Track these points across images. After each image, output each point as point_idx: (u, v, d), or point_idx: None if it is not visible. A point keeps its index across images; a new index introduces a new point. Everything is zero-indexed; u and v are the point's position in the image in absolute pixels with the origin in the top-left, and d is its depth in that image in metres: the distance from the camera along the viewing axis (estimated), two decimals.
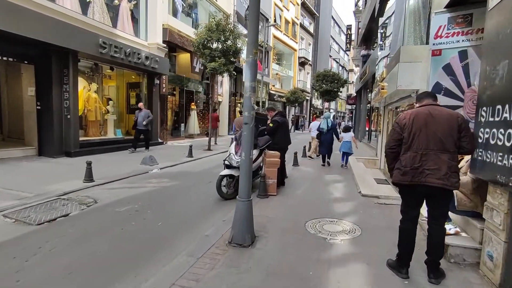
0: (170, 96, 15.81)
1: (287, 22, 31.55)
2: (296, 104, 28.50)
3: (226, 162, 5.36)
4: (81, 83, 9.82)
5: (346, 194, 5.83)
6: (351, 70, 53.58)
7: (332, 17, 46.06)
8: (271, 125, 5.83)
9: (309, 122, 38.97)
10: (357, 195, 5.73)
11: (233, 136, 6.86)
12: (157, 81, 12.25)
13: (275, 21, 28.46)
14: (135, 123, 10.16)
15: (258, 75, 24.72)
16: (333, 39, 46.96)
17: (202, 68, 14.39)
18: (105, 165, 7.71)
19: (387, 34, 11.46)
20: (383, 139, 10.33)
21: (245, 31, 22.96)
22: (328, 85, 21.13)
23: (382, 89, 7.16)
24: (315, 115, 41.65)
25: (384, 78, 7.46)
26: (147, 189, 5.91)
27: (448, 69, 4.54)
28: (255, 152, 5.51)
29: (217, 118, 14.91)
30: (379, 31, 12.71)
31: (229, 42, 11.62)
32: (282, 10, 30.27)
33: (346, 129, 9.48)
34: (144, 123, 9.97)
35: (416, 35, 5.80)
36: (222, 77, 17.30)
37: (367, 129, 18.82)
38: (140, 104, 10.35)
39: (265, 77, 26.41)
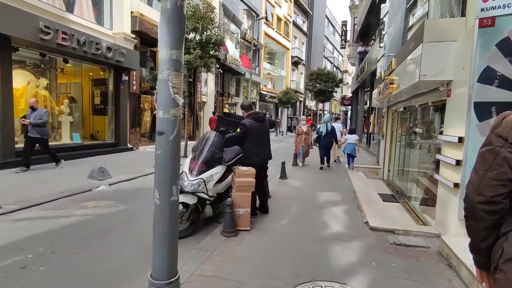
0: (150, 95, 14.14)
1: (279, 19, 30.08)
2: (289, 105, 26.99)
3: None
4: (24, 77, 8.12)
5: (348, 226, 4.24)
6: (346, 71, 52.41)
7: (326, 16, 44.79)
8: (238, 130, 4.20)
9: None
10: (363, 228, 4.14)
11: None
12: (125, 78, 10.56)
13: (266, 18, 26.97)
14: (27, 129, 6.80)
15: (247, 74, 23.19)
16: (327, 39, 45.70)
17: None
18: (40, 180, 6.04)
19: (387, 30, 10.00)
20: (387, 144, 8.82)
21: (233, 27, 21.44)
22: (323, 85, 19.62)
23: (391, 84, 5.62)
24: (309, 117, 40.38)
25: (393, 70, 5.92)
26: (72, 219, 4.24)
27: (506, 47, 2.99)
28: (219, 170, 3.88)
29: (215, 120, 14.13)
30: (381, 20, 11.25)
31: (208, 32, 10.01)
32: (274, 7, 28.80)
33: (352, 131, 9.45)
34: (33, 122, 6.55)
35: (444, 7, 4.27)
36: (206, 73, 15.64)
37: (365, 131, 17.35)
38: (32, 101, 6.77)
39: (256, 77, 24.83)
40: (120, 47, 9.58)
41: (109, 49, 9.10)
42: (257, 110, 26.83)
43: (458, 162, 3.28)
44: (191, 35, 9.91)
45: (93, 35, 8.74)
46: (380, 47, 11.17)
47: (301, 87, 35.37)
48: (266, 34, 27.34)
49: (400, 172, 7.85)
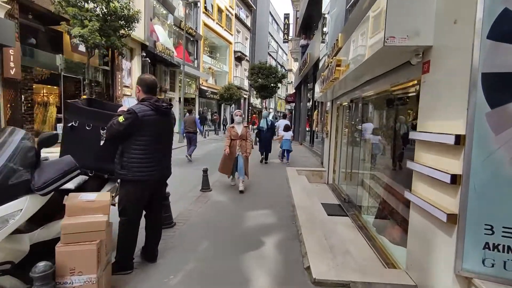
0: (55, 85, 11.16)
1: (220, 10, 28.19)
2: (231, 102, 25.31)
3: None
4: None
5: (281, 278, 2.67)
6: (290, 70, 52.79)
7: (270, 13, 44.25)
8: (121, 120, 2.36)
9: (248, 122, 36.18)
10: (303, 280, 2.62)
11: None
12: None
13: (205, 8, 24.89)
14: None
15: (188, 69, 20.90)
16: (271, 36, 45.22)
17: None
18: None
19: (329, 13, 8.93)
20: (331, 143, 7.72)
21: (165, 12, 18.96)
22: (265, 80, 18.33)
23: (338, 66, 4.28)
24: (255, 115, 39.33)
25: (340, 48, 4.60)
26: None
27: None
28: (26, 205, 1.94)
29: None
30: (323, 15, 10.23)
31: (114, 4, 7.79)
32: None
33: (287, 128, 9.44)
34: None
35: None
36: (124, 59, 13.12)
37: (307, 129, 16.55)
38: None
39: (194, 70, 22.65)
40: None
41: None
42: (197, 107, 24.61)
43: (455, 178, 1.92)
44: (91, 5, 7.60)
45: None
46: (322, 41, 10.13)
47: (246, 84, 34.03)
48: (205, 25, 25.26)
49: (347, 176, 6.75)
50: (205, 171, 5.56)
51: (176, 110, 20.77)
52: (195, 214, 4.24)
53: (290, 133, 9.41)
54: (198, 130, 9.40)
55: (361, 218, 4.85)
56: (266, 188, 6.05)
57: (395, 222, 3.69)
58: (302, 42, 16.20)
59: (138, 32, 12.59)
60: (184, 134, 9.72)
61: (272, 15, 45.22)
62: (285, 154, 9.42)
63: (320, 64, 9.32)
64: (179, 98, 21.33)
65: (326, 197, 6.41)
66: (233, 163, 5.84)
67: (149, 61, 14.90)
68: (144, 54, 14.60)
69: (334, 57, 4.69)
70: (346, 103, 6.64)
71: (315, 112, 13.25)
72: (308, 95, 16.36)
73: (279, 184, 6.38)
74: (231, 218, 4.18)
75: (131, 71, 14.32)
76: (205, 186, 5.52)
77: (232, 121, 24.00)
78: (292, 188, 6.03)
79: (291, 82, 62.51)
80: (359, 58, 3.29)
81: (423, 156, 2.37)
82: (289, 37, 20.49)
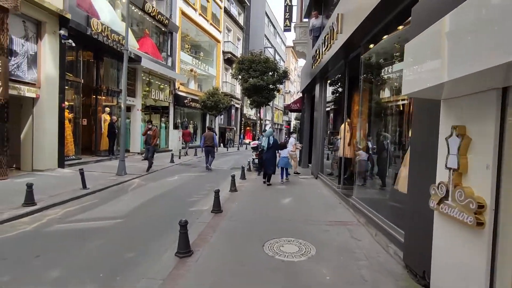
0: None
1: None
2: (217, 111, 19.61)
3: None
4: None
5: None
6: (288, 79, 47.64)
7: (266, 14, 39.41)
8: None
9: (240, 136, 30.60)
10: None
11: None
12: None
13: None
14: None
15: (154, 66, 15.43)
16: (268, 39, 40.19)
17: None
18: None
19: None
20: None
21: None
22: (258, 78, 12.69)
23: None
24: (249, 128, 33.74)
25: None
26: None
27: None
28: None
29: (189, 134, 16.58)
30: None
31: None
32: None
33: (283, 146, 9.36)
34: None
35: None
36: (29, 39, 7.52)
37: (333, 155, 10.67)
38: None
39: (167, 70, 17.12)
40: None
41: None
42: (171, 118, 18.83)
43: None
44: None
45: None
46: None
47: (238, 92, 28.54)
48: (184, 14, 19.93)
49: None
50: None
51: (137, 120, 15.11)
52: None
53: (288, 150, 9.29)
54: (214, 144, 11.25)
55: None
56: None
57: None
58: (315, 22, 10.77)
59: None
60: (203, 148, 11.39)
61: (268, 16, 40.36)
62: (282, 172, 9.12)
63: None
64: (141, 105, 15.65)
65: None
66: None
67: (73, 43, 9.26)
68: (65, 34, 8.98)
69: None
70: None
71: (343, 125, 7.62)
72: (328, 92, 10.66)
73: None
74: None
75: (38, 59, 8.65)
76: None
77: (223, 137, 18.76)
78: None
79: (289, 91, 57.04)
80: None
81: None
82: (292, 23, 15.01)
